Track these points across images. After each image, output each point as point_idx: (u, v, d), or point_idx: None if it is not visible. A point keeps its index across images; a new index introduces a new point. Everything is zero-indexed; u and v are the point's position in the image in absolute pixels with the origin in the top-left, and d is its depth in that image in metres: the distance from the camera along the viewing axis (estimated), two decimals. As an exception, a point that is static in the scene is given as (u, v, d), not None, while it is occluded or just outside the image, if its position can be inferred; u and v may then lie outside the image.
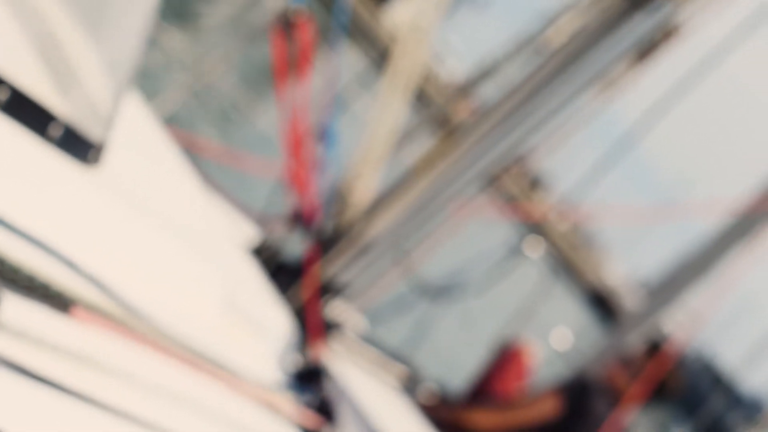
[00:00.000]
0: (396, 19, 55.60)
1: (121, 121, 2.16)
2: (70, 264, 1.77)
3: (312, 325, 3.91)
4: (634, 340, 6.07)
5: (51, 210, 1.80)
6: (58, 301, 1.70)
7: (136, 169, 2.37)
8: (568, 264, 53.85)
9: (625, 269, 77.40)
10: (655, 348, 5.66)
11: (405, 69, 3.68)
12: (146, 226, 2.11)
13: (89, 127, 1.94)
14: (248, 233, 4.41)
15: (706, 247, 6.57)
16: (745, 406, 54.44)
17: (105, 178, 1.99)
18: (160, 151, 2.70)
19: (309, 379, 2.82)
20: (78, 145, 1.91)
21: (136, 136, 2.53)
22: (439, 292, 5.54)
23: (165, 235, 2.19)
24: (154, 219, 2.19)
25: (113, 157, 2.04)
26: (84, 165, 1.93)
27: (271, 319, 2.55)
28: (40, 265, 1.69)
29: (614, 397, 5.52)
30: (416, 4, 3.54)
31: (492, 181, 4.21)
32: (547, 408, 5.39)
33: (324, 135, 3.71)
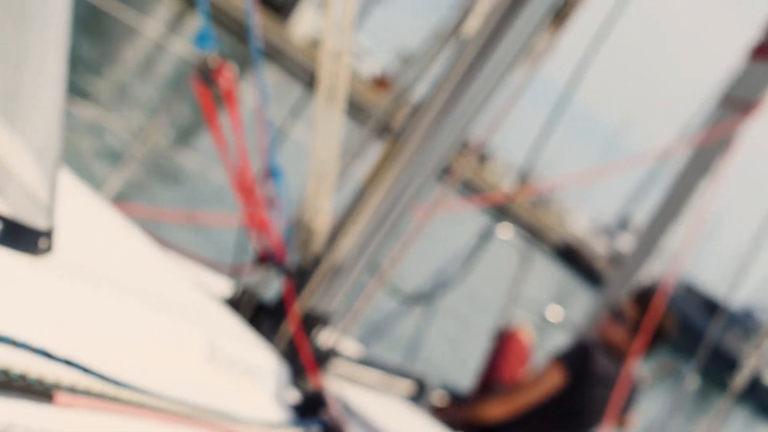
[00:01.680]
0: (302, 31, 56.19)
1: (65, 205, 2.17)
2: (42, 352, 1.78)
3: (305, 358, 3.93)
4: (623, 294, 6.11)
5: (11, 305, 1.81)
6: (38, 390, 1.71)
7: (90, 247, 2.38)
8: (533, 230, 54.49)
9: (585, 217, 78.32)
10: (642, 294, 5.69)
11: (332, 84, 3.70)
12: (111, 299, 2.12)
13: (31, 218, 1.94)
14: (221, 285, 4.42)
15: (674, 187, 6.63)
16: (738, 322, 54.92)
17: (60, 262, 2.00)
18: (113, 226, 2.71)
19: (312, 411, 2.83)
20: (24, 238, 1.91)
21: (84, 216, 2.54)
22: (425, 296, 5.56)
23: (133, 305, 2.20)
24: (118, 291, 2.20)
25: (64, 240, 2.05)
26: (35, 255, 1.94)
27: (258, 360, 2.56)
28: (13, 360, 1.69)
29: (614, 352, 5.55)
30: (324, 13, 3.55)
31: (446, 174, 4.23)
32: (554, 379, 5.41)
33: (270, 171, 3.72)
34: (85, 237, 2.42)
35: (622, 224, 79.10)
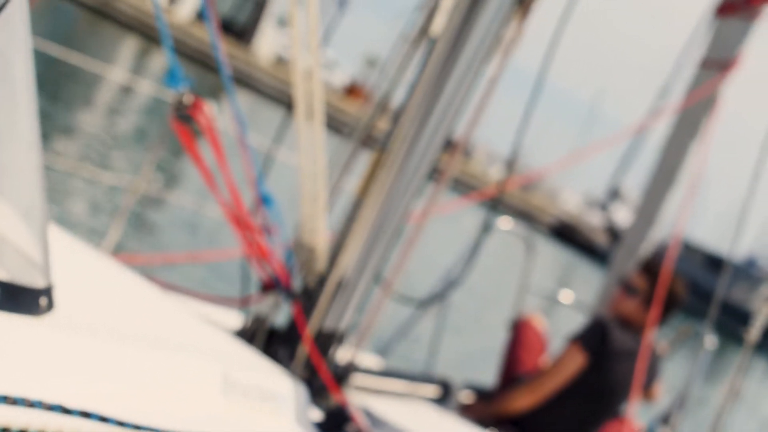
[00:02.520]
0: (266, 51, 56.54)
1: (62, 261, 2.19)
2: (58, 408, 1.79)
3: (324, 377, 3.94)
4: (630, 267, 6.13)
5: (19, 367, 1.83)
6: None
7: (92, 300, 2.40)
8: (526, 214, 54.91)
9: (576, 194, 78.81)
10: (649, 264, 5.70)
11: (309, 102, 3.72)
12: (120, 346, 2.13)
13: (28, 279, 1.96)
14: (230, 319, 4.44)
15: (665, 153, 6.65)
16: (743, 274, 55.07)
17: (63, 318, 2.02)
18: (112, 277, 2.73)
19: (336, 426, 2.84)
20: (24, 299, 1.93)
21: (82, 270, 2.56)
22: (435, 297, 5.57)
23: (142, 349, 2.21)
24: (126, 338, 2.21)
25: (66, 296, 2.07)
26: (38, 314, 1.96)
27: (274, 386, 2.58)
28: (29, 418, 1.71)
29: (630, 326, 5.56)
30: (290, 35, 3.57)
31: (436, 174, 4.25)
32: (574, 361, 5.42)
33: (261, 199, 3.74)
34: (86, 290, 2.44)
35: (613, 195, 79.59)
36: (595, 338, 5.39)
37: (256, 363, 2.74)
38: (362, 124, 4.27)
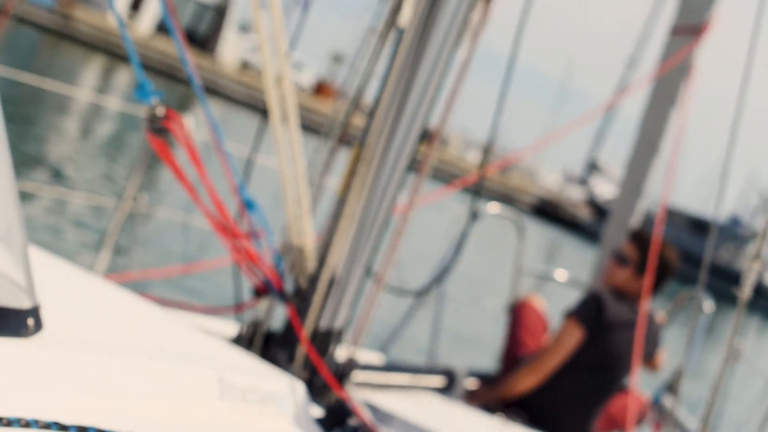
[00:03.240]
0: (230, 58, 56.96)
1: (49, 283, 2.20)
2: (55, 425, 1.80)
3: (325, 376, 3.95)
4: (620, 239, 6.15)
5: (11, 388, 1.84)
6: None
7: (82, 317, 2.41)
8: (507, 197, 55.13)
9: (555, 171, 79.40)
10: (638, 233, 5.73)
11: (282, 107, 3.73)
12: (112, 360, 2.14)
13: (13, 301, 1.97)
14: (226, 327, 4.45)
15: (644, 123, 6.68)
16: (729, 234, 55.28)
17: (53, 336, 2.03)
18: (101, 294, 2.74)
19: (338, 421, 2.85)
20: (11, 322, 1.94)
21: (70, 290, 2.57)
22: (430, 286, 5.58)
23: (135, 361, 2.22)
24: (118, 352, 2.22)
25: (54, 316, 2.08)
26: (27, 336, 1.97)
27: (272, 386, 2.59)
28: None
29: (625, 296, 5.59)
30: (258, 44, 3.58)
31: (416, 164, 4.26)
32: (573, 336, 5.44)
33: (244, 204, 3.76)
34: (76, 309, 2.45)
35: (591, 168, 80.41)
36: (590, 311, 5.42)
37: (253, 366, 2.75)
38: (338, 122, 4.28)
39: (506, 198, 53.58)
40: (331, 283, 4.10)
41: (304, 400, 2.68)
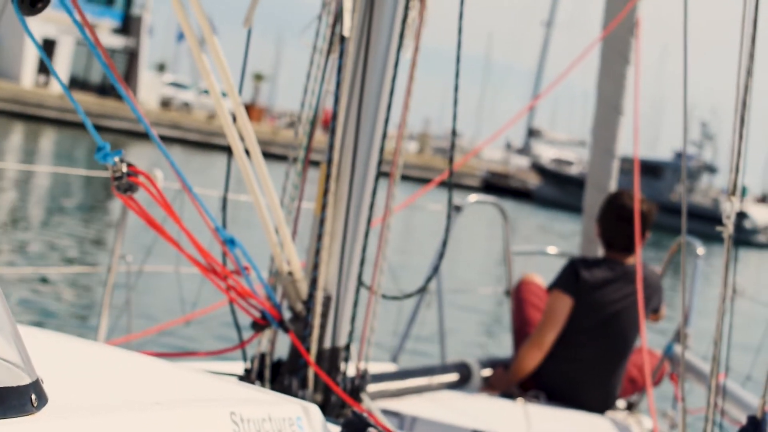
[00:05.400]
0: (149, 99, 57.73)
1: (51, 357, 2.23)
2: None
3: (339, 394, 3.98)
4: (597, 203, 6.19)
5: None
6: None
7: (88, 384, 2.43)
8: (457, 182, 55.35)
9: (495, 146, 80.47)
10: (613, 195, 5.80)
11: (244, 139, 3.76)
12: (122, 417, 2.16)
13: (11, 380, 1.99)
14: (233, 366, 4.47)
15: (601, 87, 6.71)
16: (677, 169, 55.69)
17: (59, 407, 2.04)
18: (106, 358, 2.75)
19: (357, 433, 2.87)
20: (13, 401, 1.96)
21: (73, 360, 2.58)
22: (426, 283, 5.61)
23: (145, 414, 2.24)
24: (128, 409, 2.24)
25: (59, 387, 2.10)
26: (32, 412, 1.98)
27: (284, 413, 2.61)
28: None
29: (609, 257, 5.70)
30: (208, 87, 3.61)
31: (386, 170, 4.29)
32: (561, 305, 5.58)
33: (226, 243, 3.78)
34: (80, 377, 2.46)
35: (531, 134, 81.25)
36: (569, 278, 5.57)
37: (264, 398, 2.77)
38: (303, 144, 4.30)
39: (458, 184, 53.59)
40: (326, 302, 4.12)
41: (320, 421, 2.70)
